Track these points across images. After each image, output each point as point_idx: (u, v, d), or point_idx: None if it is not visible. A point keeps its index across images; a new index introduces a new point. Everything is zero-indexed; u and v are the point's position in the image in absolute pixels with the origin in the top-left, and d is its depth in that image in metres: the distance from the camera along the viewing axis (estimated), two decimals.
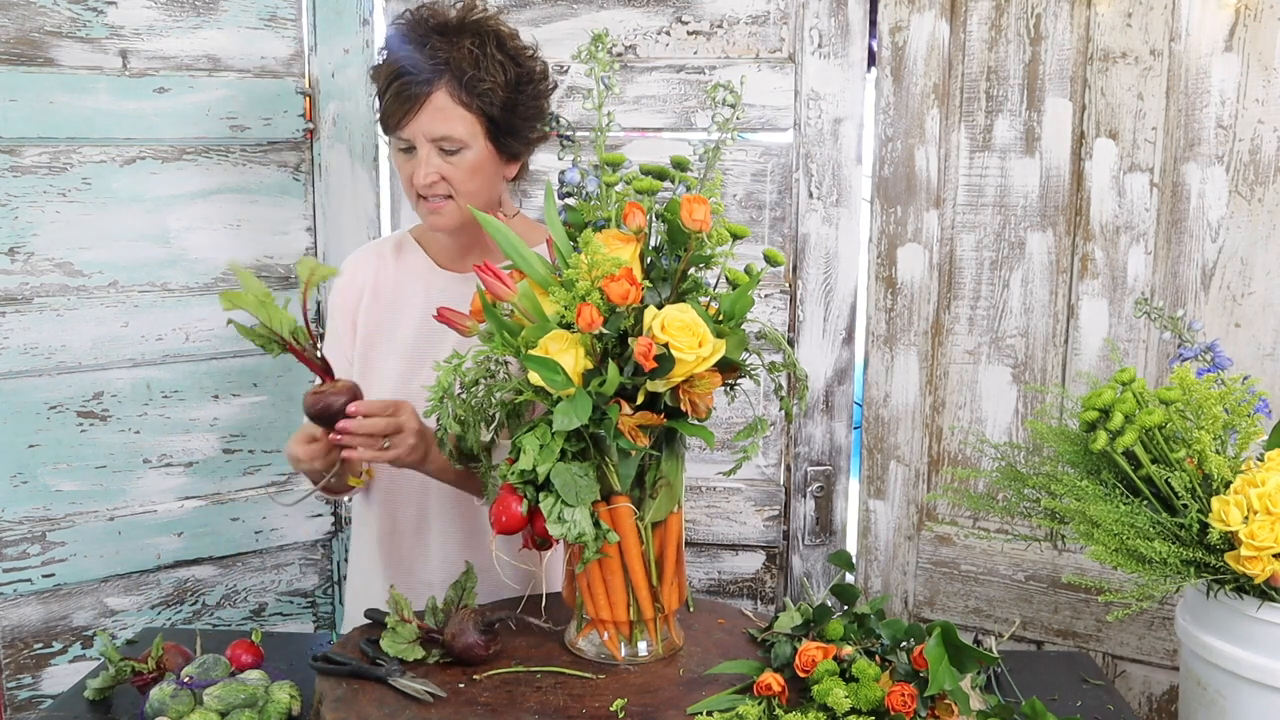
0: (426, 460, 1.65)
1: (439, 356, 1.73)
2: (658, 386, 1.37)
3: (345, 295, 1.85)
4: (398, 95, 1.64)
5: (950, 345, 2.18)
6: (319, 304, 2.30)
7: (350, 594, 1.96)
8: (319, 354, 1.56)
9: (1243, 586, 1.33)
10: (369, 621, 1.66)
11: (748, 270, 1.48)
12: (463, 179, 1.68)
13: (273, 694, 1.49)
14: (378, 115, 1.71)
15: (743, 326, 1.45)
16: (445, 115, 1.64)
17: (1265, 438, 1.43)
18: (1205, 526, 1.33)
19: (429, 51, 1.64)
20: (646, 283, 1.39)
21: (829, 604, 1.62)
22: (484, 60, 1.65)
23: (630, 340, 1.36)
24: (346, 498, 2.06)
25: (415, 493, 1.82)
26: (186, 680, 1.50)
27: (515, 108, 1.69)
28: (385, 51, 1.71)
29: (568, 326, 1.37)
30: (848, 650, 1.46)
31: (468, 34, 1.66)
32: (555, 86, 1.79)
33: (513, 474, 1.41)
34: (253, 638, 1.64)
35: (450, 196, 1.69)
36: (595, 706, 1.40)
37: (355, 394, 1.57)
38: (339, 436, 1.55)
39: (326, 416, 1.55)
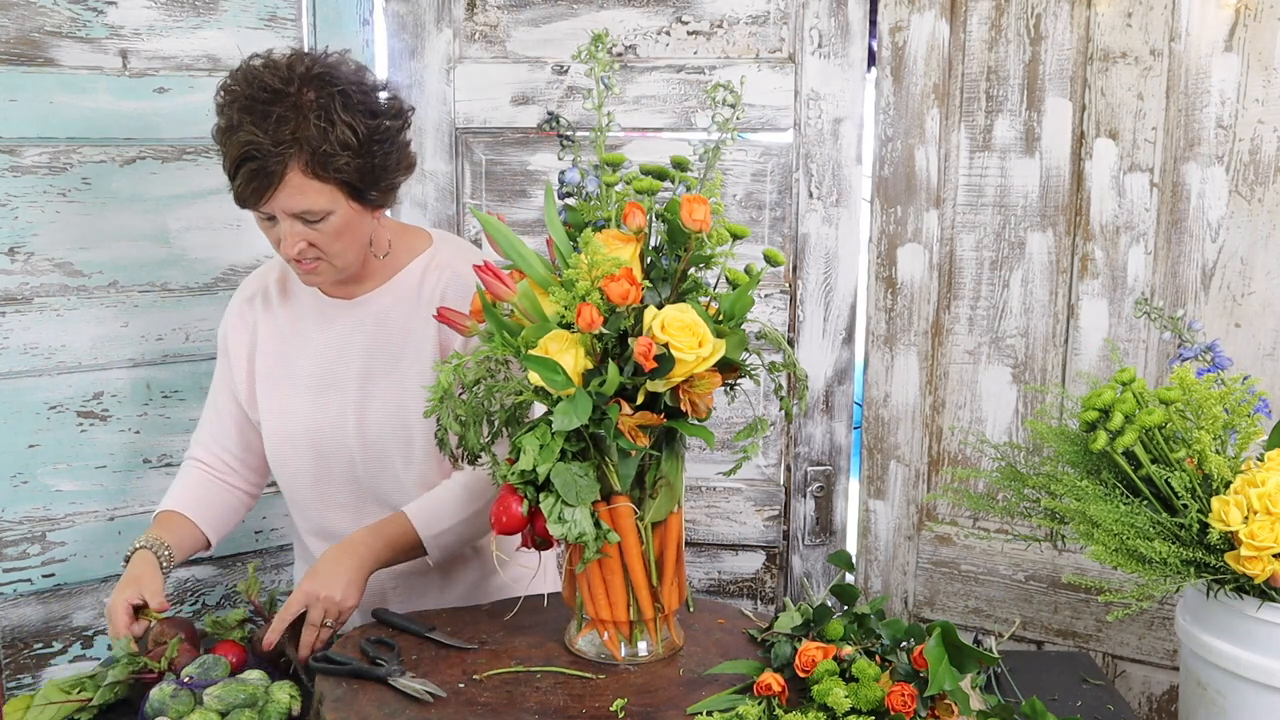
0: (366, 573, 1.66)
1: (343, 386, 1.76)
2: (658, 386, 1.37)
3: (237, 339, 1.83)
4: (250, 178, 1.55)
5: (950, 345, 2.18)
6: None
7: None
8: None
9: (1243, 586, 1.33)
10: (371, 621, 1.67)
11: (748, 270, 1.48)
12: (329, 242, 1.62)
13: (273, 694, 1.49)
14: (230, 189, 1.60)
15: (743, 326, 1.45)
16: (302, 191, 1.56)
17: (1265, 438, 1.43)
18: (1205, 526, 1.33)
19: (274, 126, 1.53)
20: (646, 283, 1.39)
21: (829, 604, 1.62)
22: (332, 130, 1.56)
23: (630, 340, 1.36)
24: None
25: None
26: (186, 680, 1.50)
27: (373, 165, 1.61)
28: (222, 114, 1.59)
29: (568, 326, 1.37)
30: (848, 650, 1.46)
31: (310, 92, 1.56)
32: (413, 110, 1.71)
33: (513, 474, 1.41)
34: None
35: (315, 259, 1.64)
36: (595, 706, 1.40)
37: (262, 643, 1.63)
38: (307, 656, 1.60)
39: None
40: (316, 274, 1.67)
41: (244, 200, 1.59)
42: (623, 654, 1.51)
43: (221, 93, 1.61)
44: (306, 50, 1.70)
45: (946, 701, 1.37)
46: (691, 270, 1.45)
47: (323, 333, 1.79)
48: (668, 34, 2.25)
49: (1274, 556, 1.28)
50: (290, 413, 1.79)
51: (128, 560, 1.70)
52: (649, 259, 1.45)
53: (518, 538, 1.49)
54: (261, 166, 1.54)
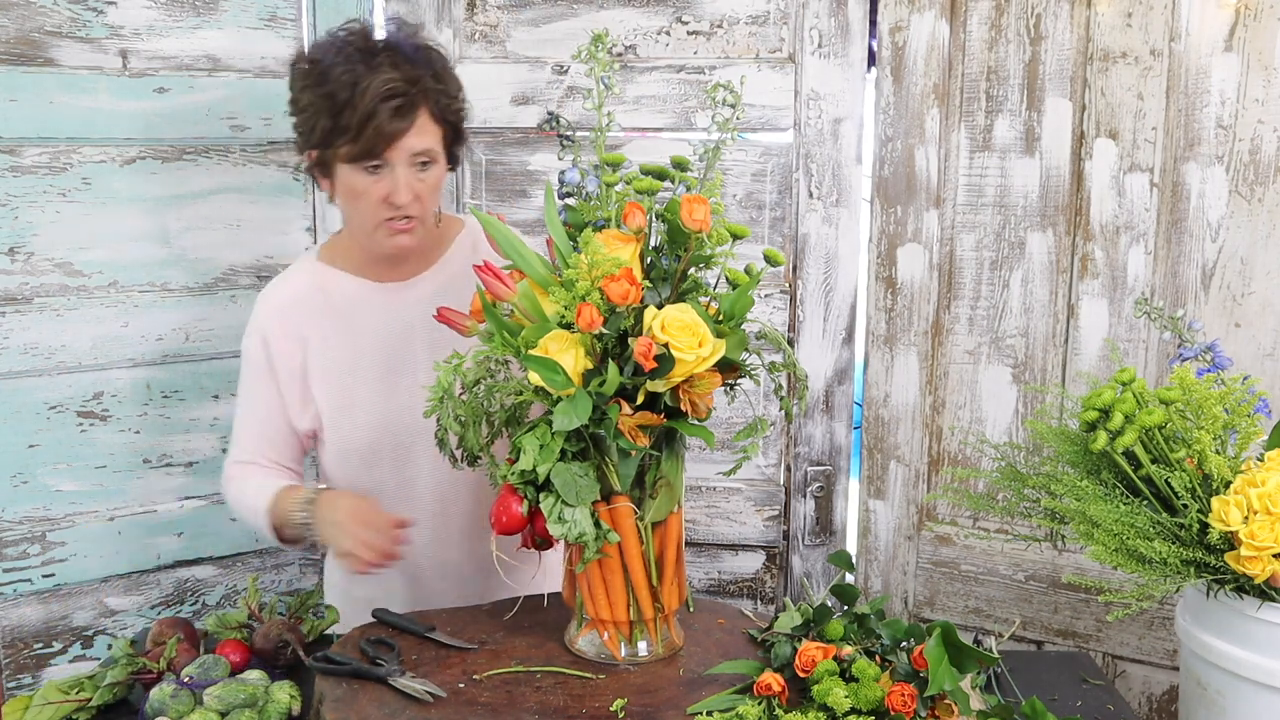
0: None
1: (412, 369, 1.77)
2: (658, 386, 1.37)
3: (285, 348, 1.80)
4: (392, 115, 1.62)
5: (950, 345, 2.18)
6: None
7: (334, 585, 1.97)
8: None
9: (1243, 586, 1.33)
10: (371, 621, 1.67)
11: (748, 270, 1.48)
12: (430, 194, 1.71)
13: (273, 694, 1.49)
14: (347, 140, 1.64)
15: (743, 326, 1.45)
16: (426, 132, 1.66)
17: (1265, 438, 1.43)
18: (1205, 526, 1.33)
19: (407, 68, 1.65)
20: (646, 283, 1.39)
21: (829, 604, 1.62)
22: (445, 75, 1.70)
23: (630, 340, 1.36)
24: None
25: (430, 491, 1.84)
26: (186, 680, 1.50)
27: (461, 123, 1.75)
28: (332, 76, 1.64)
29: (568, 326, 1.37)
30: (848, 650, 1.46)
31: (422, 53, 1.69)
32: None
33: (513, 474, 1.41)
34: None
35: (415, 216, 1.69)
36: (595, 706, 1.40)
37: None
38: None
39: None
40: (412, 236, 1.71)
41: (374, 143, 1.63)
42: (623, 654, 1.51)
43: (312, 61, 1.68)
44: None
45: (946, 701, 1.37)
46: (691, 270, 1.45)
47: (380, 319, 1.79)
48: (668, 34, 2.25)
49: (1274, 556, 1.28)
50: (356, 405, 1.79)
51: (308, 516, 1.71)
52: (649, 259, 1.45)
53: (518, 538, 1.49)
54: (405, 103, 1.63)
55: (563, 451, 1.40)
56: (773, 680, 1.41)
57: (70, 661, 2.12)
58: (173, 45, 2.12)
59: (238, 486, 1.83)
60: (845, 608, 1.63)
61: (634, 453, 1.42)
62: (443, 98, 1.69)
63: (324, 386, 1.80)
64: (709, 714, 1.38)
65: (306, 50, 1.72)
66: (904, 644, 1.50)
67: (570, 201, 1.49)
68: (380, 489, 1.83)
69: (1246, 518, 1.29)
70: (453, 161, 1.77)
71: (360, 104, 1.62)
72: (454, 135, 1.73)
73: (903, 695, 1.36)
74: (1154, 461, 1.38)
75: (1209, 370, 1.46)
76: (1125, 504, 1.38)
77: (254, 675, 1.52)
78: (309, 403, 1.81)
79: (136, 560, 2.17)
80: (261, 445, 1.85)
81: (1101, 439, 1.38)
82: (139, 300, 2.14)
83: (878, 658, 1.47)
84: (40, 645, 2.10)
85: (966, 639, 1.41)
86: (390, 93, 1.62)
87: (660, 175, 1.47)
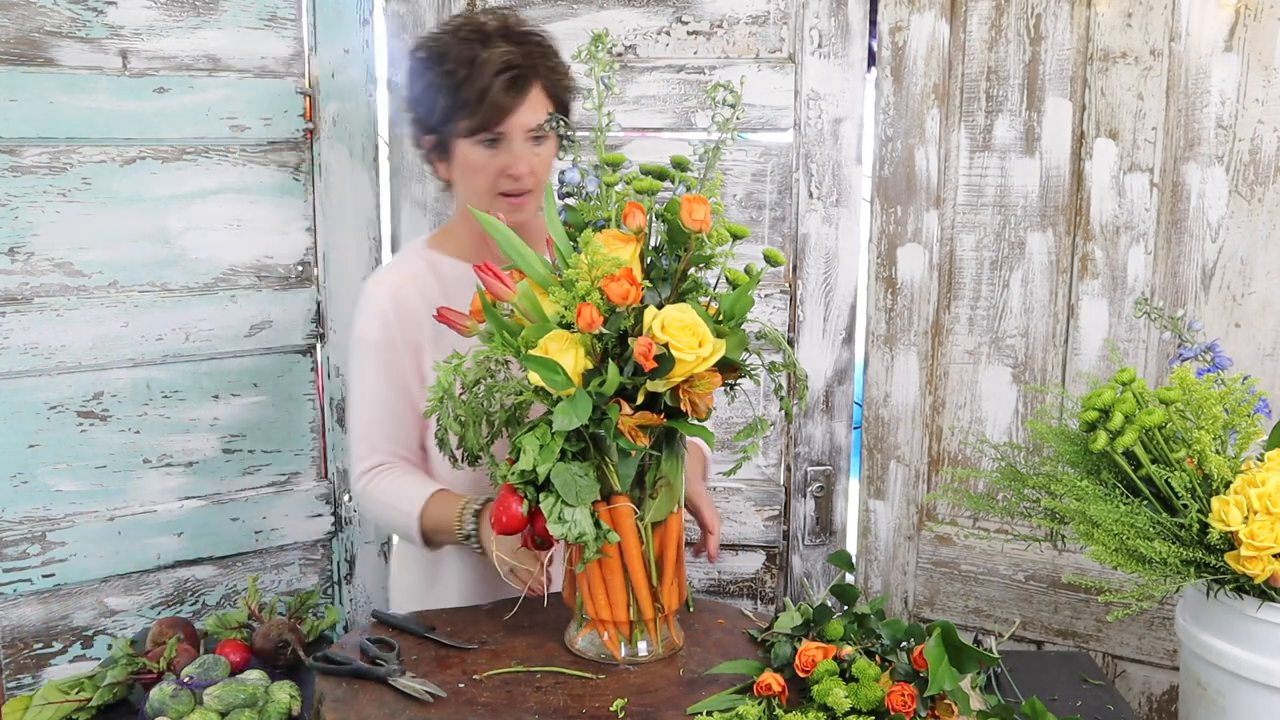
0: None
1: None
2: (658, 386, 1.37)
3: (407, 330, 1.79)
4: (506, 87, 1.70)
5: (950, 345, 2.18)
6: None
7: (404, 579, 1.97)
8: None
9: (1243, 586, 1.33)
10: (371, 621, 1.67)
11: (748, 270, 1.48)
12: (543, 168, 1.77)
13: (273, 694, 1.49)
14: (465, 115, 1.71)
15: (743, 326, 1.45)
16: (540, 107, 1.74)
17: (1265, 438, 1.44)
18: (1205, 526, 1.33)
19: (523, 48, 1.74)
20: (646, 283, 1.39)
21: (829, 604, 1.62)
22: (554, 55, 1.80)
23: (630, 340, 1.36)
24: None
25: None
26: (186, 680, 1.50)
27: (571, 97, 1.84)
28: (450, 56, 1.72)
29: (568, 326, 1.37)
30: (848, 650, 1.46)
31: (533, 34, 1.79)
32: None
33: (513, 474, 1.41)
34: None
35: (529, 190, 1.76)
36: (595, 706, 1.40)
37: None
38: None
39: None
40: (523, 210, 1.76)
41: (491, 115, 1.71)
42: (623, 654, 1.51)
43: (429, 47, 1.77)
44: None
45: (946, 701, 1.37)
46: (691, 270, 1.45)
47: None
48: (668, 34, 2.25)
49: (1274, 556, 1.28)
50: None
51: (475, 527, 1.68)
52: (649, 259, 1.45)
53: (518, 538, 1.49)
54: (519, 75, 1.72)
55: (563, 451, 1.40)
56: (773, 680, 1.41)
57: (70, 661, 2.12)
58: (173, 45, 2.12)
59: (377, 486, 1.80)
60: (845, 608, 1.63)
61: (634, 453, 1.42)
62: (554, 74, 1.77)
63: (431, 361, 1.79)
64: (709, 714, 1.38)
65: (421, 41, 1.80)
66: (904, 644, 1.50)
67: (570, 201, 1.49)
68: (476, 475, 1.78)
69: (1246, 518, 1.29)
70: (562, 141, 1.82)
71: (478, 79, 1.70)
72: (563, 113, 1.79)
73: (903, 695, 1.36)
74: (1154, 461, 1.38)
75: (1209, 370, 1.46)
76: (1125, 504, 1.38)
77: (254, 675, 1.52)
78: (424, 381, 1.80)
79: (136, 560, 2.17)
80: (392, 431, 1.82)
81: (1101, 439, 1.38)
82: (139, 300, 2.14)
83: (878, 658, 1.47)
84: (40, 645, 2.10)
85: (966, 639, 1.41)
86: (506, 65, 1.70)
87: (660, 175, 1.47)
